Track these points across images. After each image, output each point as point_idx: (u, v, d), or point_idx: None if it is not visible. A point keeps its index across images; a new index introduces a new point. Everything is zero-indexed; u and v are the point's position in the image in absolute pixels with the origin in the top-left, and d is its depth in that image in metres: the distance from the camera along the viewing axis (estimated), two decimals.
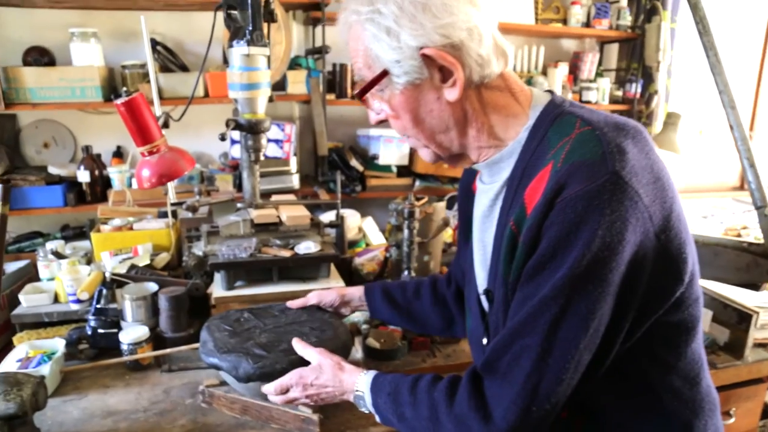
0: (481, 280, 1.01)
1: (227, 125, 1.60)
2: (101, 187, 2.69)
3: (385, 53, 0.84)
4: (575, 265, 0.74)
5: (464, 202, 1.12)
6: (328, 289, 1.35)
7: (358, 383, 1.00)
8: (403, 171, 3.04)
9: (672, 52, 3.26)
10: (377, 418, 0.98)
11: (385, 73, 0.86)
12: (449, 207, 2.76)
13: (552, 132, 0.84)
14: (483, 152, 0.92)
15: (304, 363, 1.10)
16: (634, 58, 3.32)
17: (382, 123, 0.95)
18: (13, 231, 2.84)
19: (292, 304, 1.34)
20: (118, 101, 1.43)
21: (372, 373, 1.00)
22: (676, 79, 3.38)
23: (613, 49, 3.50)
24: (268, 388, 1.09)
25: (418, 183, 2.98)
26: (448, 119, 0.88)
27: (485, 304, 0.99)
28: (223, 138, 1.56)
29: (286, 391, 1.07)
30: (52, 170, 2.75)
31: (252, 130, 1.64)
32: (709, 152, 3.71)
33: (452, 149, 0.93)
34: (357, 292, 1.34)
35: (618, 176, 0.73)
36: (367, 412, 1.00)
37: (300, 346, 1.11)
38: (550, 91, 0.93)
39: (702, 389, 0.91)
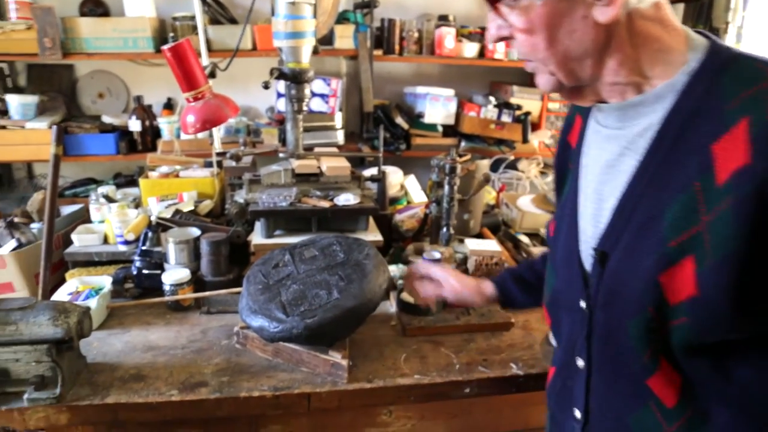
0: (589, 236, 0.86)
1: (271, 74, 1.60)
2: (151, 136, 2.77)
3: None
4: None
5: (561, 154, 1.01)
6: (464, 281, 1.24)
7: None
8: (449, 131, 2.99)
9: (744, 13, 3.05)
10: None
11: None
12: (494, 170, 2.71)
13: (729, 78, 0.72)
14: (616, 90, 0.79)
15: (320, 328, 1.10)
16: (701, 20, 3.13)
17: (502, 40, 0.83)
18: (69, 177, 2.97)
19: (420, 270, 1.28)
20: (165, 47, 1.46)
21: None
22: (747, 43, 3.17)
23: (678, 9, 3.30)
24: None
25: (463, 143, 2.93)
26: (588, 44, 0.75)
27: (586, 264, 0.87)
28: (266, 86, 1.56)
29: None
30: (106, 119, 2.85)
31: (296, 79, 1.63)
32: None
33: (582, 80, 0.80)
34: (489, 288, 1.23)
35: None
36: None
37: None
38: (702, 33, 0.79)
39: None
